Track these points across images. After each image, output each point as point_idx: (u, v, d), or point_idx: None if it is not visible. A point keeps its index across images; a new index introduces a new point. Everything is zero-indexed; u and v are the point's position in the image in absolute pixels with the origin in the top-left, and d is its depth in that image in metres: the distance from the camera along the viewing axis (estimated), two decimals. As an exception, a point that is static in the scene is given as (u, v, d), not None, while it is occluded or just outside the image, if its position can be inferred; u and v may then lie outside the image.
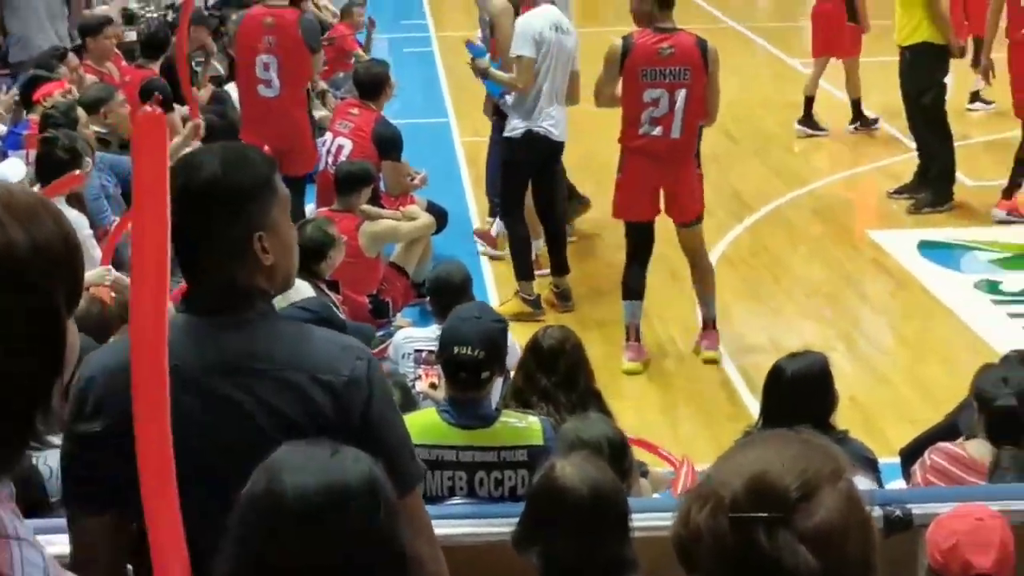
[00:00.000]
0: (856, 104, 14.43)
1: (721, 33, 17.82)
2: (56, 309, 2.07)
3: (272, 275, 3.09)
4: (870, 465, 5.66)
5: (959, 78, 14.47)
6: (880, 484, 5.69)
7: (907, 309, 10.09)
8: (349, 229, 9.11)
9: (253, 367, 2.98)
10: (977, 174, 12.74)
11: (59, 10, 13.83)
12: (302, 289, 6.93)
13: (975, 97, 14.97)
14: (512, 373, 6.28)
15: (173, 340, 2.79)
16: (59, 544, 2.98)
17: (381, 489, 2.49)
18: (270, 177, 3.12)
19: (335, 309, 7.25)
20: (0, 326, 1.99)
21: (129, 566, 3.07)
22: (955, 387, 6.93)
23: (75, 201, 8.01)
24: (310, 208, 10.37)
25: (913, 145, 12.49)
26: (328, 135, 10.53)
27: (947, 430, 6.08)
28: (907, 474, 6.04)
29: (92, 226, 8.13)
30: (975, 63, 14.23)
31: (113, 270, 6.70)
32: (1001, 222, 11.53)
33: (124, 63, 12.34)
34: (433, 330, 7.08)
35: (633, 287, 9.05)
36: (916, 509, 4.26)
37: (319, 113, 12.12)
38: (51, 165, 8.03)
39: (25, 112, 10.36)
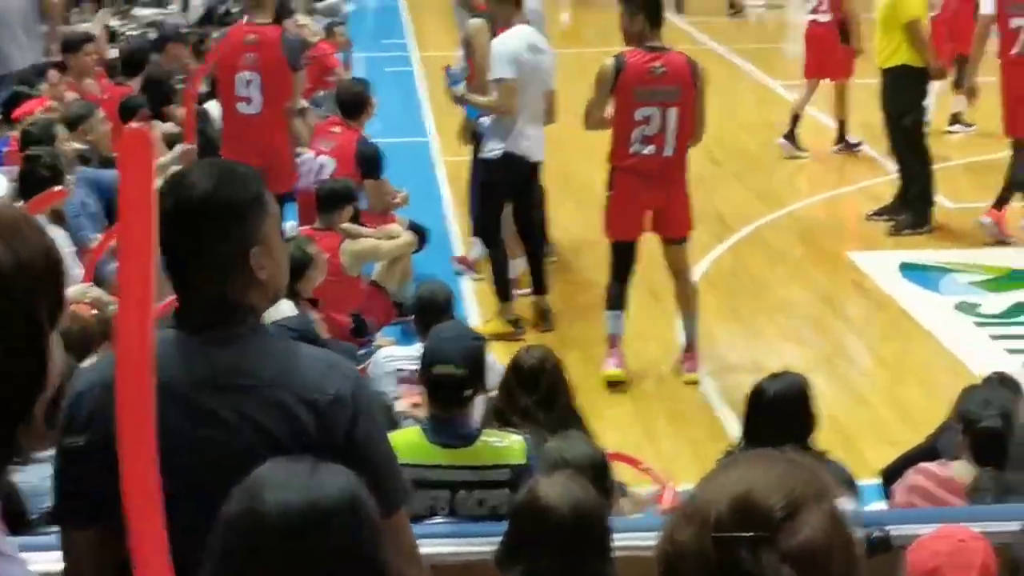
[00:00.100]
0: (842, 126, 14.48)
1: (703, 55, 17.78)
2: (39, 324, 2.07)
3: (265, 290, 3.10)
4: (849, 486, 5.67)
5: (940, 100, 14.55)
6: (857, 505, 5.70)
7: (887, 330, 10.11)
8: (330, 248, 9.10)
9: (240, 383, 2.99)
10: (957, 196, 12.79)
11: (35, 26, 13.81)
12: (283, 307, 6.91)
13: (955, 119, 15.04)
14: (493, 392, 6.28)
15: (163, 356, 2.79)
16: (40, 563, 2.97)
17: (362, 506, 2.49)
18: (261, 193, 3.13)
19: (316, 327, 7.24)
20: (-17, 342, 1.99)
21: None
22: (934, 409, 6.96)
23: (56, 218, 8.01)
24: (290, 225, 10.36)
25: (893, 167, 12.52)
26: (309, 153, 10.52)
27: (927, 452, 6.10)
28: (888, 495, 6.05)
29: (73, 243, 8.12)
30: (957, 84, 14.33)
31: (94, 287, 6.70)
32: (990, 240, 11.59)
33: (106, 80, 12.33)
34: (415, 349, 7.06)
35: (617, 298, 9.08)
36: (896, 530, 4.27)
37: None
38: (34, 182, 8.03)
39: (7, 129, 10.35)
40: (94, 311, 6.37)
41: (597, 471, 4.62)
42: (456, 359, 5.28)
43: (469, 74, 10.60)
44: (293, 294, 7.72)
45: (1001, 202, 11.68)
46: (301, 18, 18.20)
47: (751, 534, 2.00)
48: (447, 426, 5.24)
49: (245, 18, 10.67)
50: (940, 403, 6.77)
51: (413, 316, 7.60)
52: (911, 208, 11.97)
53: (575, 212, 12.11)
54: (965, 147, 14.53)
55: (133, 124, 2.89)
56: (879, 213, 12.26)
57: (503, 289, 9.91)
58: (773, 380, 5.87)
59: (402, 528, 3.09)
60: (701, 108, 8.85)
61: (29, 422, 2.06)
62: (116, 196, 7.72)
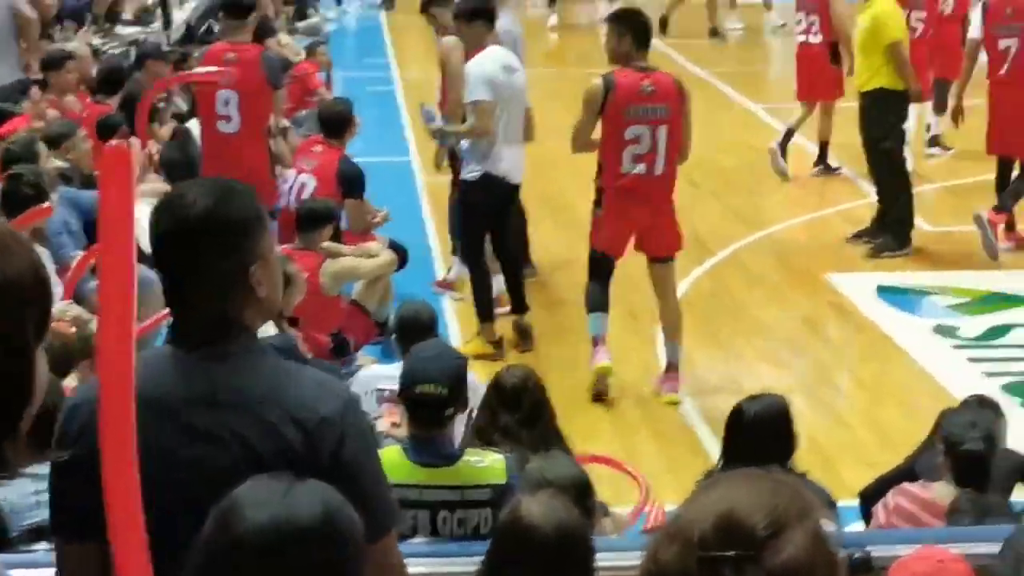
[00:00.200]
0: (823, 148, 14.52)
1: (683, 77, 17.82)
2: (26, 340, 2.08)
3: (262, 307, 3.11)
4: (830, 507, 5.69)
5: (920, 122, 14.62)
6: (837, 526, 5.71)
7: (865, 353, 10.15)
8: (310, 267, 9.10)
9: (231, 400, 2.99)
10: (936, 219, 12.84)
11: (9, 44, 13.79)
12: (264, 326, 6.91)
13: (934, 142, 15.09)
14: (474, 411, 6.28)
15: (158, 372, 2.80)
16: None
17: (340, 523, 2.47)
18: (260, 210, 3.15)
19: (299, 347, 7.23)
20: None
21: None
22: (913, 431, 6.97)
23: (37, 236, 8.00)
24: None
25: (872, 190, 12.57)
26: (291, 172, 10.52)
27: (906, 473, 6.12)
28: (867, 516, 6.07)
29: (54, 261, 8.11)
30: (938, 106, 14.44)
31: (75, 305, 6.68)
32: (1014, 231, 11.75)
33: (89, 99, 12.32)
34: (396, 368, 7.05)
35: (597, 298, 9.10)
36: (877, 551, 4.29)
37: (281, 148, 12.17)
38: (17, 200, 8.02)
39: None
40: (74, 329, 6.36)
41: (579, 491, 4.62)
42: (437, 378, 5.28)
43: (442, 94, 10.65)
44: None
45: (1003, 207, 11.81)
46: (283, 38, 18.24)
47: (735, 553, 2.01)
48: (428, 445, 5.24)
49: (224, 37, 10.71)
50: (918, 425, 6.80)
51: (394, 335, 7.60)
52: (890, 231, 12.02)
53: (555, 232, 12.13)
54: (945, 170, 14.58)
55: (114, 142, 2.90)
56: (858, 236, 12.30)
57: (484, 310, 9.92)
58: (753, 401, 5.89)
59: (390, 550, 3.09)
60: (687, 126, 8.94)
61: (15, 437, 2.07)
62: (95, 214, 7.70)
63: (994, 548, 4.20)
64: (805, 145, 15.02)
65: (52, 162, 9.59)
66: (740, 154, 15.54)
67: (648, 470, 7.99)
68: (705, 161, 14.36)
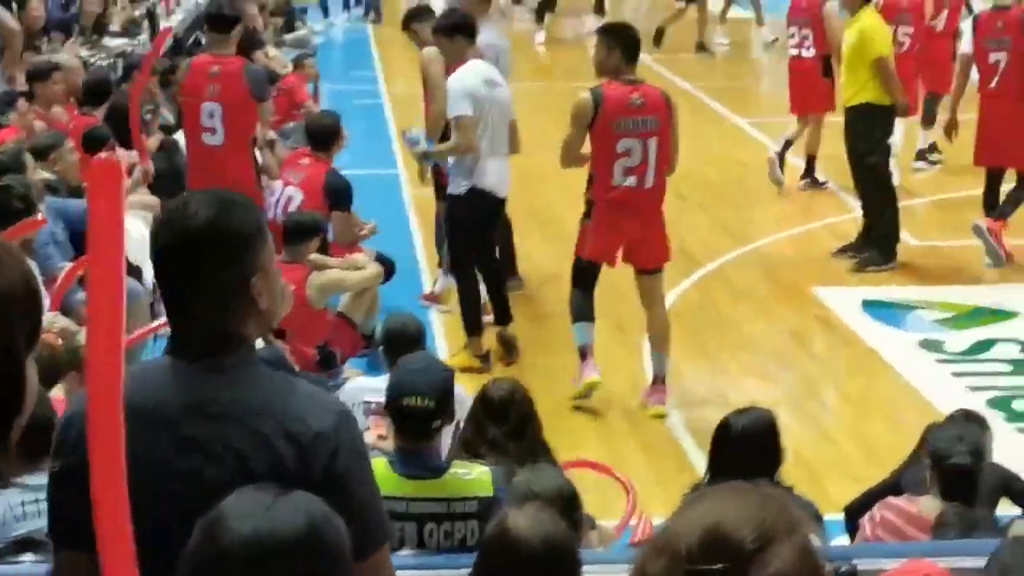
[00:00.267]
0: (811, 161, 14.56)
1: (670, 92, 17.85)
2: (17, 350, 2.09)
3: (263, 319, 3.11)
4: (816, 521, 5.69)
5: (909, 135, 14.65)
6: (823, 540, 5.72)
7: (851, 367, 10.17)
8: (297, 280, 9.10)
9: (227, 413, 2.99)
10: (922, 233, 12.87)
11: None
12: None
13: (921, 156, 15.11)
14: (461, 423, 6.28)
15: (156, 382, 2.81)
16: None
17: (325, 535, 2.47)
18: (261, 221, 3.15)
19: (287, 359, 7.23)
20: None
21: None
22: (898, 445, 6.99)
23: (25, 248, 7.99)
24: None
25: (858, 204, 12.60)
26: (278, 185, 10.52)
27: (891, 487, 6.13)
28: (852, 530, 6.09)
29: (41, 272, 8.10)
30: (927, 120, 14.51)
31: (61, 316, 6.69)
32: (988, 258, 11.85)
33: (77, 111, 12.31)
34: (383, 380, 7.05)
35: (582, 307, 9.13)
36: (863, 564, 4.30)
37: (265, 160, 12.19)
38: (6, 213, 8.01)
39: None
40: (61, 341, 6.36)
41: (566, 503, 4.63)
42: (424, 391, 5.28)
43: (425, 105, 10.68)
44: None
45: (1003, 215, 11.91)
46: (271, 50, 18.25)
47: (722, 566, 2.02)
48: (415, 458, 5.24)
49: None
50: (904, 439, 6.82)
51: (382, 347, 7.60)
52: (875, 245, 12.05)
53: (543, 245, 12.15)
54: (931, 184, 14.62)
55: (102, 154, 2.90)
56: (844, 250, 12.33)
57: (471, 323, 9.92)
58: (740, 415, 5.90)
59: (382, 566, 3.07)
60: (675, 138, 8.99)
61: (6, 447, 2.08)
62: (81, 225, 7.71)
63: (980, 562, 4.22)
64: (790, 159, 15.05)
65: (39, 174, 9.58)
66: (727, 168, 15.59)
67: (634, 482, 8.01)
68: (692, 174, 14.39)
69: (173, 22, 18.72)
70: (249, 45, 16.51)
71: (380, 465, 5.25)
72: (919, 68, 14.48)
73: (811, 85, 14.11)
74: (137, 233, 8.18)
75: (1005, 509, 6.09)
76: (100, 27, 16.21)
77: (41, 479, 5.08)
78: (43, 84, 12.08)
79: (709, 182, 14.87)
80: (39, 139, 10.49)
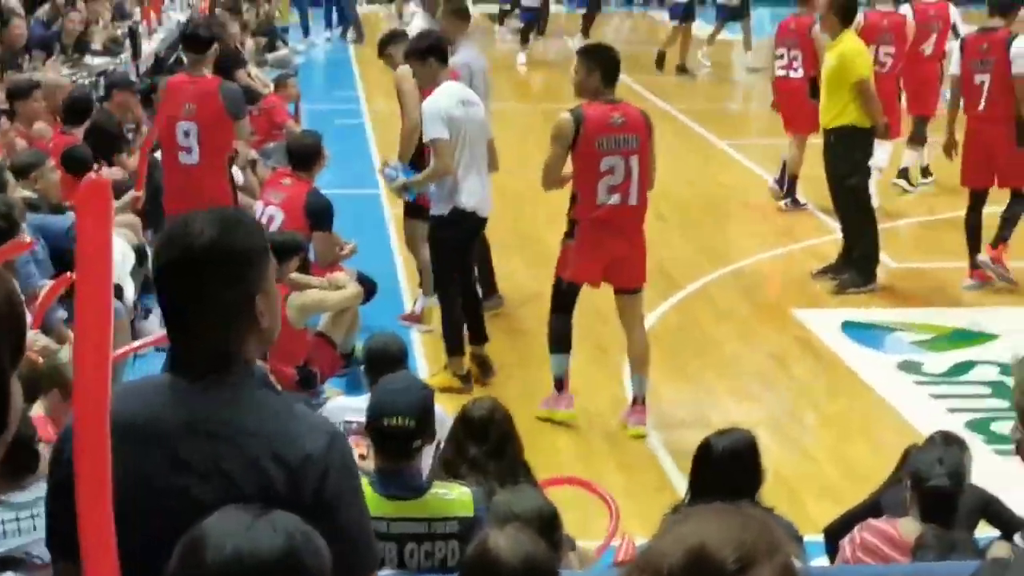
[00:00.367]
0: (792, 182, 14.60)
1: (649, 113, 17.90)
2: (2, 368, 2.09)
3: (263, 338, 3.11)
4: (797, 542, 5.70)
5: (895, 157, 14.72)
6: (804, 561, 5.73)
7: (831, 388, 10.19)
8: (278, 299, 9.07)
9: (219, 432, 2.98)
10: (901, 256, 12.91)
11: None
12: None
13: (902, 174, 15.13)
14: (441, 443, 6.29)
15: (153, 400, 2.82)
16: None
17: (302, 557, 2.46)
18: (264, 241, 3.15)
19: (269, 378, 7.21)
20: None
21: None
22: (878, 466, 7.02)
23: (4, 266, 7.96)
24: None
25: (838, 226, 12.64)
26: (259, 205, 10.52)
27: (871, 508, 6.14)
28: (832, 552, 6.09)
29: (21, 290, 8.09)
30: (914, 140, 14.61)
31: (42, 335, 6.68)
32: (980, 268, 11.95)
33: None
34: (365, 400, 7.04)
35: (563, 336, 9.20)
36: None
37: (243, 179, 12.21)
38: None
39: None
40: (41, 360, 6.35)
41: (547, 524, 4.64)
42: (405, 411, 5.29)
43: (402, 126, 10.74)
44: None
45: (997, 239, 11.98)
46: (252, 69, 18.27)
47: (704, 586, 2.03)
48: (395, 478, 5.24)
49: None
50: (884, 460, 6.84)
51: (363, 367, 7.60)
52: (855, 267, 12.08)
53: (525, 267, 12.17)
54: (910, 206, 14.68)
55: (92, 174, 2.92)
56: (824, 272, 12.36)
57: (453, 343, 9.92)
58: (721, 435, 5.91)
59: None
60: (653, 156, 9.03)
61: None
62: (61, 243, 7.71)
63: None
64: (767, 179, 15.12)
65: (20, 192, 9.57)
66: (708, 189, 15.63)
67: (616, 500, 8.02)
68: (673, 196, 14.44)
69: (155, 42, 18.73)
70: (231, 64, 16.55)
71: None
72: (907, 90, 14.60)
73: (797, 106, 14.15)
74: (118, 252, 8.18)
75: (984, 531, 6.11)
76: (81, 45, 16.20)
77: (23, 497, 5.08)
78: (24, 102, 12.07)
79: (689, 204, 14.91)
80: (20, 157, 10.48)
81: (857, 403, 9.81)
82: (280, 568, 2.43)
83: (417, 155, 10.57)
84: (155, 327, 10.59)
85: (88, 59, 16.02)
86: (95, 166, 10.95)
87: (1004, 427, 7.99)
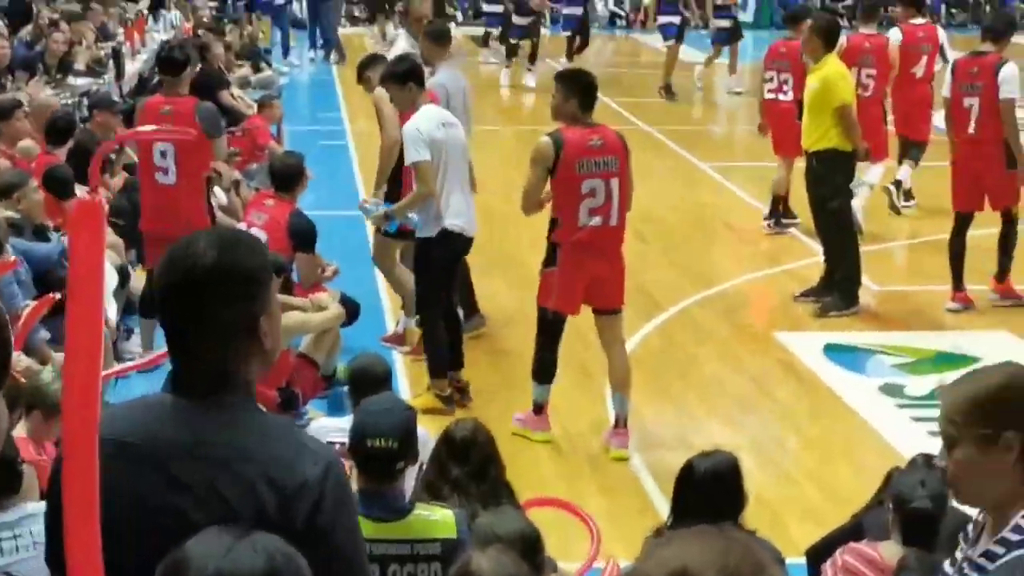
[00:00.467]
0: (776, 202, 14.63)
1: (632, 135, 17.99)
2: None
3: (265, 358, 3.10)
4: (780, 564, 5.71)
5: (885, 180, 14.80)
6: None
7: (813, 411, 10.20)
8: (260, 320, 9.05)
9: (218, 455, 2.96)
10: (882, 279, 12.95)
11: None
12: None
13: (897, 185, 15.16)
14: (423, 464, 6.29)
15: (152, 419, 2.81)
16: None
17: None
18: (267, 261, 3.15)
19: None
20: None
21: None
22: (860, 488, 7.03)
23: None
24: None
25: (819, 248, 12.68)
26: (242, 226, 10.51)
27: (852, 531, 6.15)
28: (814, 574, 6.10)
29: (4, 312, 8.07)
30: (908, 157, 14.75)
31: (24, 356, 6.67)
32: (996, 305, 12.13)
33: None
34: (348, 421, 7.03)
35: (549, 370, 9.26)
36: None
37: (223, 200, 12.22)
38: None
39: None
40: (24, 380, 6.35)
41: (528, 546, 4.64)
42: (388, 432, 5.29)
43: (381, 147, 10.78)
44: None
45: (1002, 273, 12.15)
46: (236, 90, 18.28)
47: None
48: (378, 499, 5.24)
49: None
50: (866, 483, 6.85)
51: (348, 388, 7.60)
52: (837, 290, 12.11)
53: (506, 287, 12.18)
54: (892, 229, 14.73)
55: (84, 195, 2.94)
56: (806, 294, 12.39)
57: (436, 364, 9.92)
58: (704, 458, 5.92)
59: None
60: (631, 178, 9.09)
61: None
62: (44, 264, 7.69)
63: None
64: (749, 201, 15.15)
65: (2, 212, 9.57)
66: (690, 211, 15.67)
67: (597, 522, 8.02)
68: (655, 218, 14.48)
69: (138, 62, 18.75)
70: (215, 85, 16.57)
71: (344, 506, 5.24)
72: (898, 112, 14.68)
73: (786, 129, 14.18)
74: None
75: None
76: (65, 66, 16.21)
77: (6, 517, 5.07)
78: (7, 122, 12.06)
79: (672, 226, 14.94)
80: (3, 177, 10.47)
81: (839, 426, 9.83)
82: None
83: (392, 181, 10.62)
84: (136, 348, 10.60)
85: (71, 79, 16.03)
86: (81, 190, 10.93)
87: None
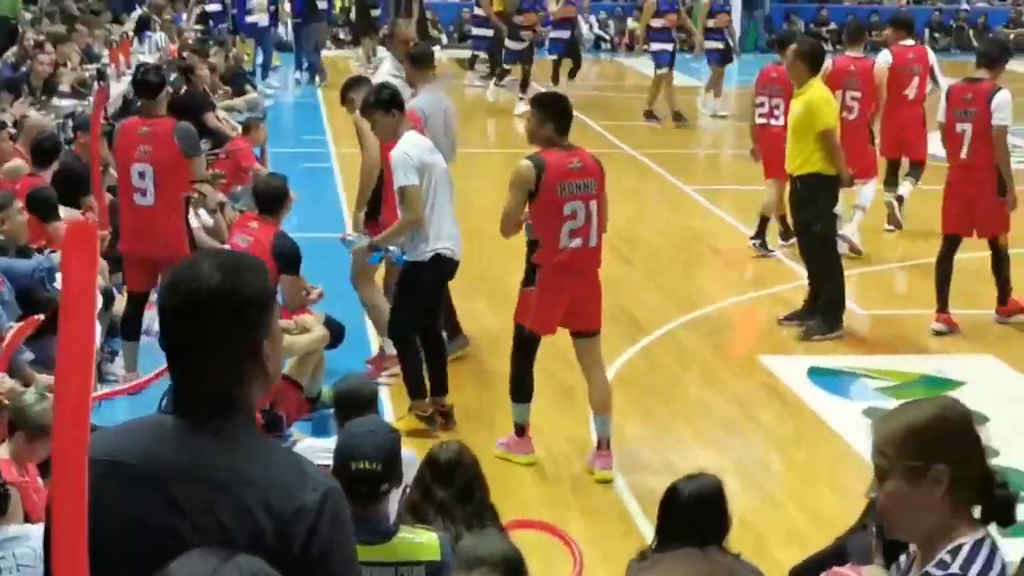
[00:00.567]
0: (764, 223, 14.65)
1: (617, 158, 18.08)
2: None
3: (267, 382, 3.10)
4: (764, 587, 5.71)
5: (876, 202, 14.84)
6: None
7: (798, 434, 10.21)
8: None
9: (217, 479, 2.96)
10: (868, 302, 12.98)
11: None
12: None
13: (899, 200, 15.22)
14: (408, 486, 6.28)
15: (152, 440, 2.81)
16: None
17: None
18: (269, 284, 3.15)
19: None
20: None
21: None
22: (844, 512, 7.03)
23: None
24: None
25: (804, 272, 12.70)
26: (226, 248, 10.51)
27: (836, 554, 6.14)
28: (797, 597, 6.10)
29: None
30: (909, 175, 14.87)
31: (7, 378, 6.65)
32: (1000, 322, 12.24)
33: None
34: (334, 442, 7.02)
35: (526, 389, 9.31)
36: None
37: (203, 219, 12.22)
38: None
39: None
40: (7, 402, 6.33)
41: (511, 568, 4.63)
42: (372, 455, 5.29)
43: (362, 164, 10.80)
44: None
45: (1004, 296, 12.27)
46: (221, 112, 18.28)
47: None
48: (363, 522, 5.22)
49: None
50: (850, 506, 6.86)
51: (334, 409, 7.58)
52: (821, 313, 12.13)
53: (490, 309, 12.18)
54: (877, 254, 14.75)
55: (79, 216, 2.96)
56: (790, 318, 12.41)
57: (415, 386, 9.92)
58: (688, 481, 5.92)
59: None
60: (606, 199, 9.16)
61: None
62: (27, 285, 7.67)
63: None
64: (734, 224, 15.17)
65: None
66: (674, 234, 15.68)
67: (580, 545, 8.01)
68: (639, 241, 14.51)
69: (123, 83, 18.73)
70: (200, 107, 16.57)
71: (327, 529, 5.23)
72: (888, 134, 14.74)
73: (778, 153, 14.18)
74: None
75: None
76: (50, 87, 16.21)
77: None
78: (-9, 143, 12.06)
79: (657, 249, 14.96)
80: (-14, 199, 10.45)
81: (823, 449, 9.84)
82: None
83: (373, 201, 10.64)
84: (120, 370, 10.58)
85: (56, 101, 16.03)
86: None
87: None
